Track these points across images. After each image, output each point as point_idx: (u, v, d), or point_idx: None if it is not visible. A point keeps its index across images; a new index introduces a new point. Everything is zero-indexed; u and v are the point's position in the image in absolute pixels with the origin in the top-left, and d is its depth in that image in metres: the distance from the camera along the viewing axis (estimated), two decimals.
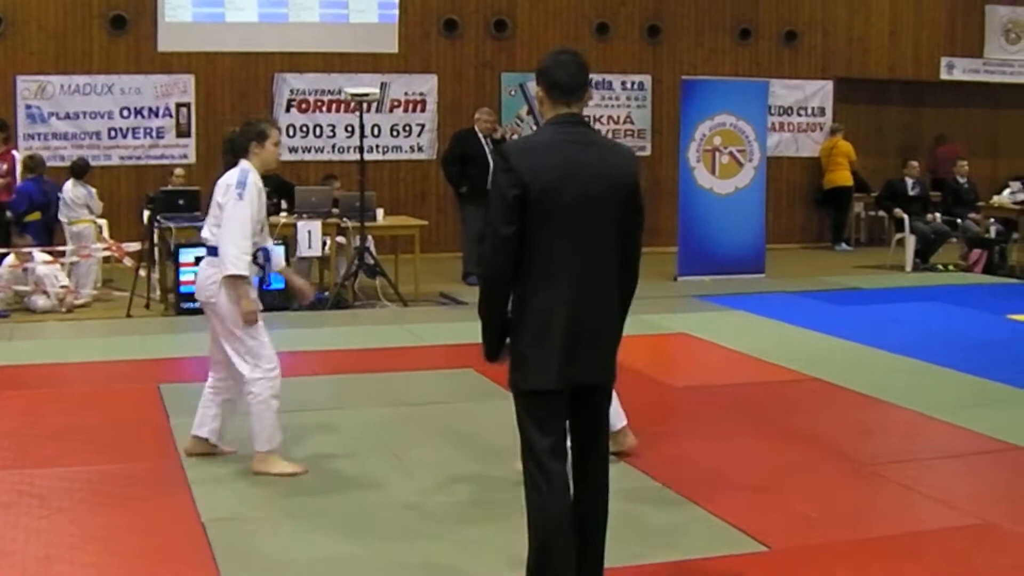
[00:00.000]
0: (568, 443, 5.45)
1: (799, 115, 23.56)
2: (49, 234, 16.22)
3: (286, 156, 20.42)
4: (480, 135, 17.48)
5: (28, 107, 19.68)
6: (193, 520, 7.07)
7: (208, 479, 7.90)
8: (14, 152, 17.25)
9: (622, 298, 5.52)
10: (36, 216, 16.24)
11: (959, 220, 20.32)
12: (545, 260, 5.22)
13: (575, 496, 5.48)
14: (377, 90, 18.12)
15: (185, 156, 20.31)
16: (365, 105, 16.69)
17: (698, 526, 7.08)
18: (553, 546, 5.32)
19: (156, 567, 6.44)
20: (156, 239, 15.62)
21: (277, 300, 14.76)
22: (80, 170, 16.60)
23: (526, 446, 5.37)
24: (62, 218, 16.62)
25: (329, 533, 6.99)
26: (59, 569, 6.39)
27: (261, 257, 8.00)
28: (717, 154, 18.21)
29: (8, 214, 16.28)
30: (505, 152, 5.27)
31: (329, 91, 20.86)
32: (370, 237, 15.84)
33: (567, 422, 5.43)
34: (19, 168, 16.78)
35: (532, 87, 5.32)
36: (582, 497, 5.51)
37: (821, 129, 23.61)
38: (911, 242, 19.81)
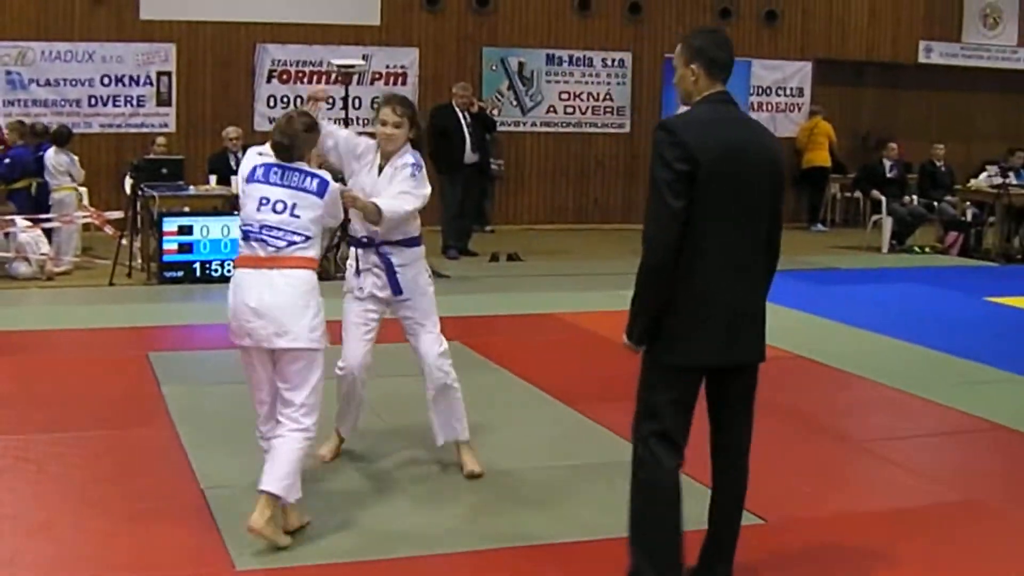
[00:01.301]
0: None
1: (778, 95, 23.64)
2: (36, 203, 16.16)
3: (266, 127, 20.37)
4: (457, 109, 17.50)
5: (8, 73, 19.62)
6: (192, 487, 7.10)
7: (205, 446, 7.90)
8: None
9: (767, 277, 5.51)
10: (24, 184, 16.20)
11: (936, 203, 20.47)
12: (706, 238, 5.15)
13: (720, 470, 5.58)
14: (363, 62, 18.13)
15: (165, 125, 20.27)
16: (349, 77, 16.69)
17: (693, 498, 7.10)
18: (664, 520, 5.37)
19: (159, 532, 6.47)
20: (139, 207, 15.60)
21: None
22: (63, 138, 16.52)
23: (650, 418, 5.35)
24: None
25: (325, 498, 7.04)
26: (60, 534, 6.43)
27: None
28: None
29: None
30: (670, 126, 5.17)
31: (310, 62, 20.85)
32: None
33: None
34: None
35: (680, 66, 5.17)
36: (728, 472, 5.59)
37: (799, 110, 23.71)
38: (888, 224, 19.94)
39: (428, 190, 7.29)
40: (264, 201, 6.26)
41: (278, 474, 6.22)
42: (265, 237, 6.24)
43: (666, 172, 5.08)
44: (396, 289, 7.29)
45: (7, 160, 16.33)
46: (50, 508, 6.83)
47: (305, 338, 6.22)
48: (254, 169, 6.38)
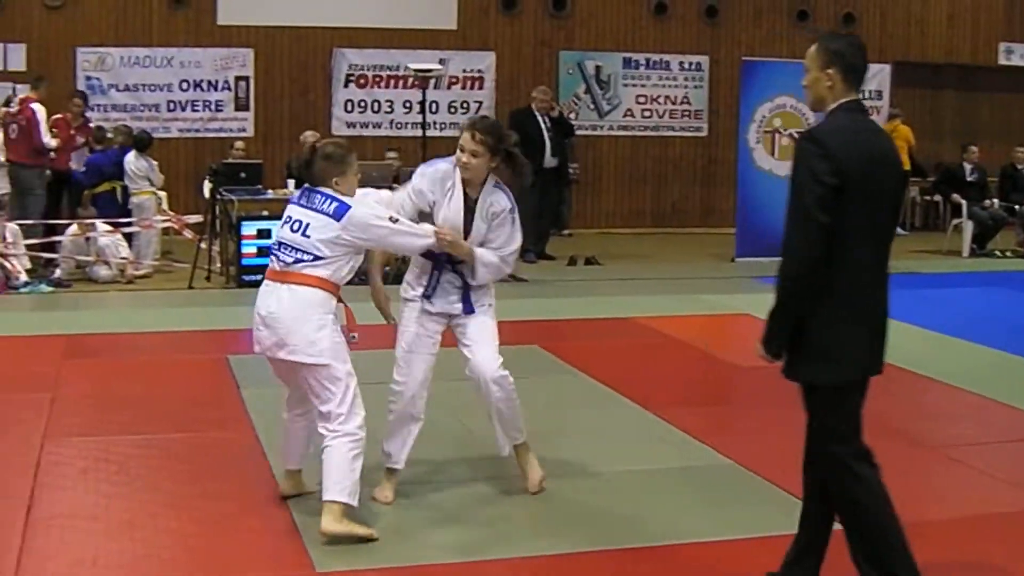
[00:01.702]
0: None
1: None
2: (119, 205, 16.38)
3: (343, 131, 20.52)
4: (537, 114, 17.51)
5: (88, 78, 19.84)
6: (272, 489, 7.10)
7: None
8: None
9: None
10: (107, 187, 16.41)
11: (1017, 206, 20.25)
12: (850, 249, 5.07)
13: (819, 482, 5.47)
14: (440, 67, 18.18)
15: (243, 129, 20.43)
16: (427, 81, 16.73)
17: (773, 503, 7.08)
18: (892, 527, 5.29)
19: (239, 534, 6.52)
20: (218, 211, 15.69)
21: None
22: (142, 143, 16.70)
23: (839, 442, 5.27)
24: None
25: (405, 500, 7.06)
26: (141, 535, 6.47)
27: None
28: (777, 136, 18.20)
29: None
30: (818, 138, 5.08)
31: (387, 67, 20.94)
32: None
33: None
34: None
35: (827, 67, 5.01)
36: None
37: (878, 112, 23.43)
38: (968, 228, 19.75)
39: (521, 237, 7.07)
40: (287, 219, 6.57)
41: (334, 481, 6.38)
42: (278, 252, 6.53)
43: (816, 186, 5.00)
44: (468, 307, 7.05)
45: (84, 169, 16.55)
46: (132, 509, 6.87)
47: (303, 352, 6.39)
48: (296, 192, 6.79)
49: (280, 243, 6.54)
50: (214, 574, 5.99)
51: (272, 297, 6.47)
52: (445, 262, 6.93)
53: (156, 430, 8.42)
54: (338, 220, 6.40)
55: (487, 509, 7.01)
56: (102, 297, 14.64)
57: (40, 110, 16.09)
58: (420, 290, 7.06)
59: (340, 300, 6.62)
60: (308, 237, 6.41)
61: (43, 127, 16.05)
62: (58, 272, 15.35)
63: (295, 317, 6.39)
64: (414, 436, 7.13)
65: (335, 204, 6.43)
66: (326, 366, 6.40)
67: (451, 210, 6.87)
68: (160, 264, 16.43)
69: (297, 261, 6.41)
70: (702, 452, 8.13)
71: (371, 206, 6.62)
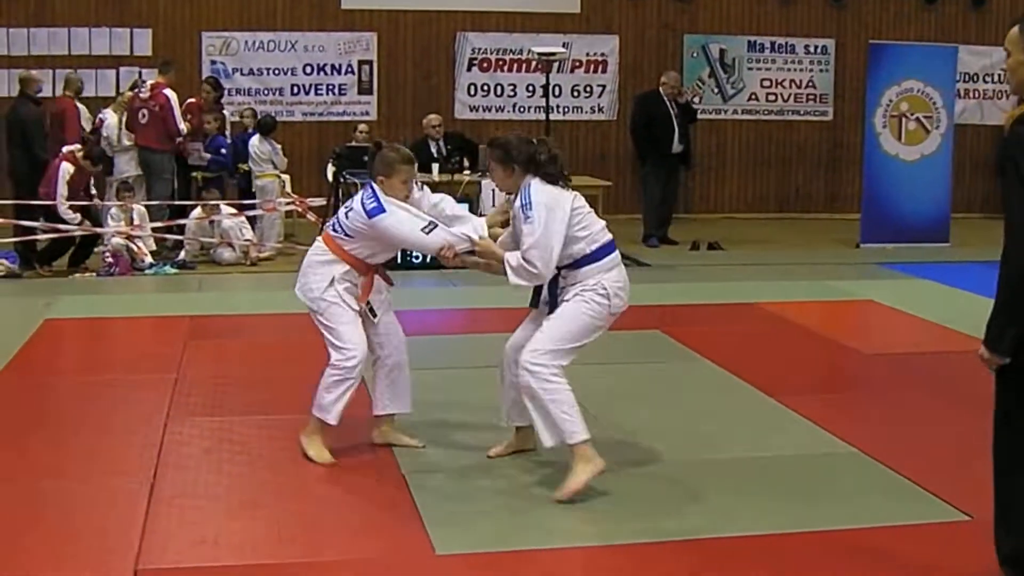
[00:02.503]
0: None
1: (985, 82, 22.99)
2: (224, 189, 16.66)
3: (467, 115, 20.54)
4: (665, 98, 17.42)
5: (213, 63, 19.97)
6: (395, 472, 7.12)
7: (407, 431, 7.88)
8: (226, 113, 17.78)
9: None
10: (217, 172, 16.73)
11: None
12: None
13: None
14: (564, 50, 18.11)
15: (367, 113, 20.45)
16: (550, 65, 16.69)
17: (897, 492, 6.98)
18: None
19: (360, 516, 6.56)
20: (341, 194, 15.75)
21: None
22: (267, 127, 16.85)
23: None
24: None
25: (528, 489, 7.03)
26: (262, 515, 6.52)
27: None
28: (904, 120, 17.92)
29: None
30: None
31: (511, 50, 20.87)
32: None
33: None
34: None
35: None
36: None
37: (1007, 97, 23.09)
38: None
39: (544, 231, 6.73)
40: (351, 200, 7.66)
41: (315, 399, 7.52)
42: (334, 219, 7.66)
43: None
44: (552, 306, 7.04)
45: (223, 151, 16.73)
46: (253, 489, 6.94)
47: (301, 292, 7.53)
48: None
49: (338, 212, 7.71)
50: (334, 555, 6.01)
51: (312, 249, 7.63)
52: None
53: (278, 411, 8.47)
54: (369, 218, 7.19)
55: (607, 493, 6.90)
56: (226, 279, 14.78)
57: (173, 96, 16.25)
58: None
59: (365, 275, 7.44)
60: (347, 219, 7.36)
61: (177, 112, 16.21)
62: (183, 254, 15.50)
63: (308, 263, 7.52)
64: (516, 401, 7.29)
65: (374, 204, 7.22)
66: (314, 312, 7.46)
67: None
68: (283, 246, 16.52)
69: (334, 230, 7.44)
70: (825, 440, 8.00)
71: (404, 219, 7.22)
